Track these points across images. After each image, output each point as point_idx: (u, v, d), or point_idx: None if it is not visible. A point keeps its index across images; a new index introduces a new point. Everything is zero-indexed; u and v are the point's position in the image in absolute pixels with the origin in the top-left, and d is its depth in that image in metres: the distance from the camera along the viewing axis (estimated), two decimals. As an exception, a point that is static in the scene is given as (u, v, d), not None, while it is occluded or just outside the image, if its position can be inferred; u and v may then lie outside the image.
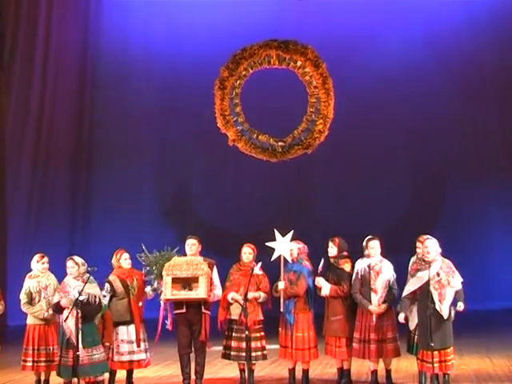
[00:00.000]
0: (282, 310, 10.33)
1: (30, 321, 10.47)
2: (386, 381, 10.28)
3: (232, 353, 10.35)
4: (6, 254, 17.55)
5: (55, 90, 19.38)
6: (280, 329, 10.47)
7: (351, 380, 10.45)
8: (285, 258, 10.33)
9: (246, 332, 10.04)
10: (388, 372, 10.30)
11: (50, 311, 10.26)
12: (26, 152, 19.00)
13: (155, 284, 10.49)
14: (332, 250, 10.42)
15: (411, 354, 10.31)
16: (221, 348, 10.62)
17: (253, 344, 10.30)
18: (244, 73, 13.14)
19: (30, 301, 10.41)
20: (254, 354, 10.32)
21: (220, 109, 13.14)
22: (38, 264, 10.56)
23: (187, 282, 10.15)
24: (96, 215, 19.48)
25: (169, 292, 10.18)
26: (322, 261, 10.38)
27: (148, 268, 10.56)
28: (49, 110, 19.30)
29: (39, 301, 10.36)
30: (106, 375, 10.25)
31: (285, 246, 10.31)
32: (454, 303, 9.73)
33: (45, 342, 10.33)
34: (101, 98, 19.71)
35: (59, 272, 10.43)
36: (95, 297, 9.94)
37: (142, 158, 19.60)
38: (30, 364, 10.37)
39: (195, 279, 10.14)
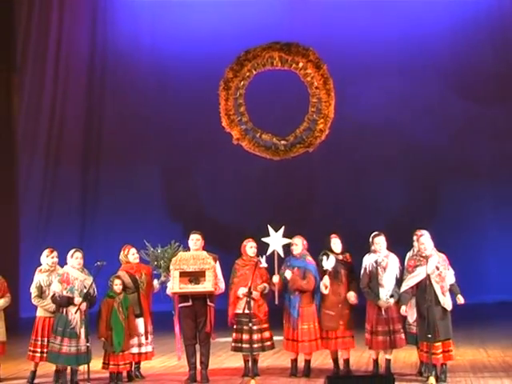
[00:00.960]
0: (276, 303, 10.58)
1: (39, 313, 10.75)
2: (386, 369, 10.51)
3: (244, 345, 10.61)
4: (19, 250, 17.81)
5: (66, 91, 19.64)
6: (284, 322, 10.71)
7: (350, 369, 10.73)
8: (278, 253, 10.61)
9: (250, 324, 10.25)
10: (388, 361, 10.56)
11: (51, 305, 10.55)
12: (37, 151, 19.30)
13: (162, 277, 10.78)
14: (338, 246, 10.66)
15: (413, 344, 10.61)
16: (224, 339, 10.93)
17: (265, 334, 10.66)
18: (248, 74, 13.29)
19: (40, 294, 10.69)
20: (266, 343, 10.68)
21: (225, 109, 13.29)
22: (48, 258, 10.81)
23: (194, 276, 10.41)
24: (105, 212, 19.69)
25: (177, 286, 10.42)
26: (331, 259, 10.54)
27: (155, 263, 10.83)
28: (59, 110, 19.57)
29: (49, 294, 10.59)
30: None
31: (277, 241, 10.60)
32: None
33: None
34: (110, 97, 19.94)
35: (69, 267, 10.76)
36: (94, 289, 10.39)
37: (150, 156, 19.81)
38: (38, 355, 10.66)
39: (202, 273, 10.40)
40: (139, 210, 19.41)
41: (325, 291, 10.53)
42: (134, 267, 10.88)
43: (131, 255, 10.92)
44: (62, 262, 10.73)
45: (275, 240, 10.61)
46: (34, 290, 10.75)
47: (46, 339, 10.59)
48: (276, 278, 10.57)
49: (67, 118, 19.66)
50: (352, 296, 10.54)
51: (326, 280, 10.50)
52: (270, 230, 10.64)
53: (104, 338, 10.36)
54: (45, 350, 10.58)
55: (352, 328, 10.61)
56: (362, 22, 18.96)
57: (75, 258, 10.47)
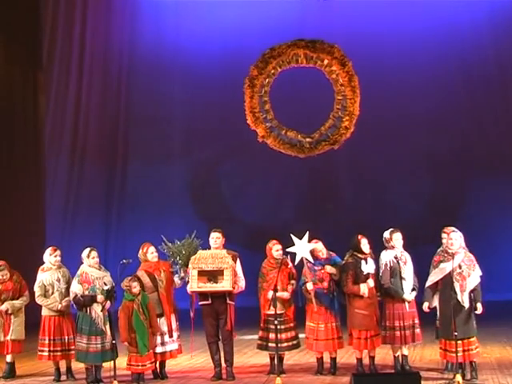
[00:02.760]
0: (315, 309, 10.53)
1: (44, 312, 10.86)
2: (402, 366, 10.59)
3: (269, 344, 10.65)
4: (45, 248, 17.87)
5: (90, 89, 19.79)
6: (311, 322, 10.71)
7: (376, 367, 10.71)
8: (307, 260, 10.58)
9: (276, 322, 10.26)
10: (405, 357, 10.62)
11: (63, 303, 10.68)
12: (63, 150, 19.48)
13: (181, 273, 10.80)
14: (367, 246, 10.65)
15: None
16: (250, 337, 10.95)
17: (292, 333, 10.72)
18: (273, 71, 13.30)
19: (44, 293, 10.78)
20: (293, 342, 10.74)
21: (250, 106, 13.32)
22: (51, 257, 10.93)
23: (213, 275, 10.47)
24: (130, 210, 19.82)
25: (195, 284, 10.49)
26: (370, 262, 10.53)
27: (172, 259, 10.86)
28: (85, 109, 19.72)
29: (53, 293, 10.74)
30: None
31: (304, 248, 10.52)
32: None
33: (60, 332, 10.74)
34: (134, 95, 20.04)
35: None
36: (113, 285, 10.50)
37: (175, 154, 19.92)
38: (46, 354, 10.80)
39: (220, 272, 10.45)
40: (164, 208, 19.49)
41: (366, 294, 10.49)
42: (152, 266, 10.84)
43: (150, 254, 10.87)
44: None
45: (301, 247, 10.52)
46: (37, 290, 10.85)
47: (52, 338, 10.74)
48: (310, 285, 10.54)
49: (92, 116, 19.81)
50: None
51: (371, 282, 10.50)
52: (294, 238, 10.55)
53: (127, 342, 10.38)
54: (52, 349, 10.73)
55: (379, 326, 10.62)
56: (387, 16, 18.98)
57: (92, 258, 10.57)
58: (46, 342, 10.77)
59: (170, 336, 10.78)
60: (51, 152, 19.27)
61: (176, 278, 10.89)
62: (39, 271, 10.95)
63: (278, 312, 10.39)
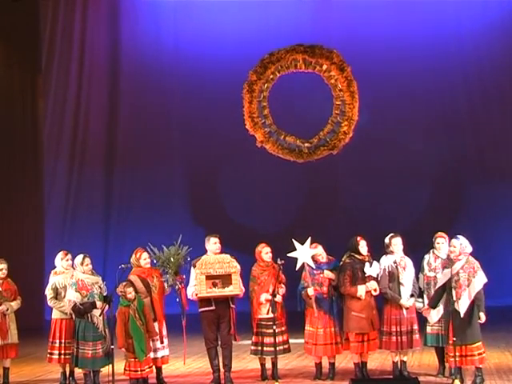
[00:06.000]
0: (316, 315, 10.52)
1: (55, 315, 10.86)
2: (401, 371, 10.58)
3: (265, 348, 10.62)
4: (44, 253, 17.93)
5: (89, 92, 19.70)
6: (310, 327, 10.70)
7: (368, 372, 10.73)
8: (309, 265, 10.58)
9: (274, 327, 10.28)
10: (403, 363, 10.62)
11: (67, 311, 10.64)
12: (62, 152, 19.46)
13: (170, 280, 10.70)
14: (365, 249, 10.65)
15: (434, 345, 10.72)
16: (248, 342, 10.94)
17: (284, 337, 10.67)
18: (271, 76, 13.36)
19: (56, 296, 10.80)
20: (285, 346, 10.68)
21: (248, 111, 13.38)
22: (63, 261, 10.92)
23: (220, 280, 10.46)
24: (129, 214, 19.74)
25: (204, 289, 10.45)
26: (375, 265, 10.56)
27: (162, 268, 10.78)
28: (84, 111, 19.67)
29: (65, 296, 10.68)
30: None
31: (306, 253, 10.53)
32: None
33: (70, 335, 10.67)
34: (133, 99, 19.96)
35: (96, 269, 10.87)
36: (106, 289, 10.54)
37: (173, 158, 19.83)
38: (56, 357, 10.78)
39: (228, 276, 10.46)
40: (162, 212, 19.44)
41: (363, 296, 10.49)
42: (145, 271, 10.79)
43: (143, 259, 10.81)
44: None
45: (303, 253, 10.54)
46: (49, 292, 10.87)
47: (63, 341, 10.72)
48: (311, 291, 10.53)
49: (91, 119, 19.76)
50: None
51: (374, 285, 10.51)
52: (296, 244, 10.57)
53: (125, 348, 10.34)
54: (62, 352, 10.71)
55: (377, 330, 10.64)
56: (387, 22, 18.79)
57: (86, 265, 10.60)
58: (57, 344, 10.76)
59: (162, 342, 10.72)
60: (50, 155, 19.25)
61: (165, 285, 10.80)
62: (52, 274, 10.98)
63: (271, 316, 10.40)
